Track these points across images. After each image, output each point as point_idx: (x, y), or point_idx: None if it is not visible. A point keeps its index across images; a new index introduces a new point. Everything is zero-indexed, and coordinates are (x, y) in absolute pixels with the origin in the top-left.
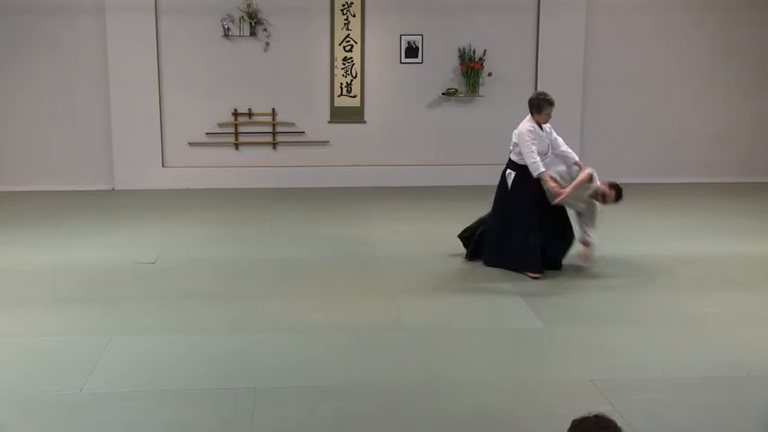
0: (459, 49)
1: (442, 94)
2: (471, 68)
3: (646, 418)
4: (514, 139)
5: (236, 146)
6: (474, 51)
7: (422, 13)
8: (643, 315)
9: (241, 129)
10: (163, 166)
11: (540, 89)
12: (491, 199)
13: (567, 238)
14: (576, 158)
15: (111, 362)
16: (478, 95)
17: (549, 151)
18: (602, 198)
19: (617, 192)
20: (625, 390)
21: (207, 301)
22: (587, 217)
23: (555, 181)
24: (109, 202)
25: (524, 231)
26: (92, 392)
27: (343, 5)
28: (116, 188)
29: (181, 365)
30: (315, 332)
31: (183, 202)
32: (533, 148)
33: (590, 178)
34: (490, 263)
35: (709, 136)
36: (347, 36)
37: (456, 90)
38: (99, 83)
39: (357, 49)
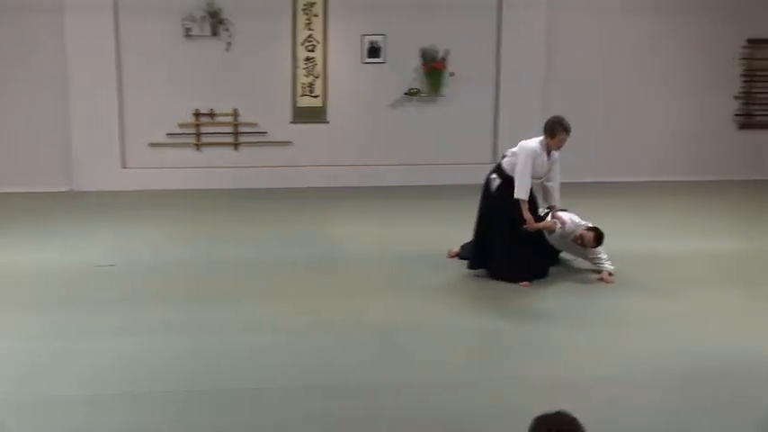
0: (422, 49)
1: (405, 94)
2: (434, 68)
3: (609, 415)
4: (516, 149)
5: (198, 146)
6: (437, 51)
7: (384, 13)
8: (609, 314)
9: (202, 129)
10: (123, 167)
11: (502, 88)
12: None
13: (550, 252)
14: (557, 202)
15: (71, 366)
16: (441, 95)
17: (544, 177)
18: (581, 240)
19: (596, 234)
20: (589, 388)
21: (170, 303)
22: (587, 253)
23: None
24: (67, 204)
25: (509, 240)
26: (50, 396)
27: (305, 5)
28: (74, 189)
29: (146, 368)
30: (287, 333)
31: (144, 204)
32: (529, 171)
33: (551, 228)
34: (474, 266)
35: (671, 135)
36: (309, 36)
37: (418, 90)
38: (58, 82)
39: (320, 49)
